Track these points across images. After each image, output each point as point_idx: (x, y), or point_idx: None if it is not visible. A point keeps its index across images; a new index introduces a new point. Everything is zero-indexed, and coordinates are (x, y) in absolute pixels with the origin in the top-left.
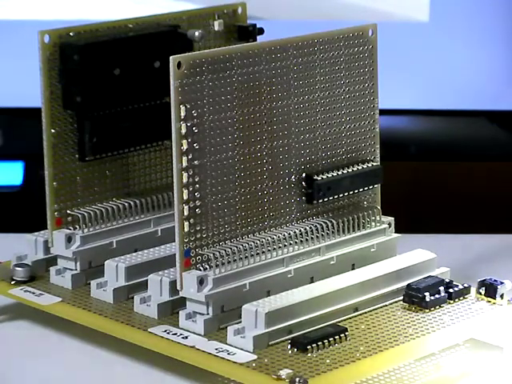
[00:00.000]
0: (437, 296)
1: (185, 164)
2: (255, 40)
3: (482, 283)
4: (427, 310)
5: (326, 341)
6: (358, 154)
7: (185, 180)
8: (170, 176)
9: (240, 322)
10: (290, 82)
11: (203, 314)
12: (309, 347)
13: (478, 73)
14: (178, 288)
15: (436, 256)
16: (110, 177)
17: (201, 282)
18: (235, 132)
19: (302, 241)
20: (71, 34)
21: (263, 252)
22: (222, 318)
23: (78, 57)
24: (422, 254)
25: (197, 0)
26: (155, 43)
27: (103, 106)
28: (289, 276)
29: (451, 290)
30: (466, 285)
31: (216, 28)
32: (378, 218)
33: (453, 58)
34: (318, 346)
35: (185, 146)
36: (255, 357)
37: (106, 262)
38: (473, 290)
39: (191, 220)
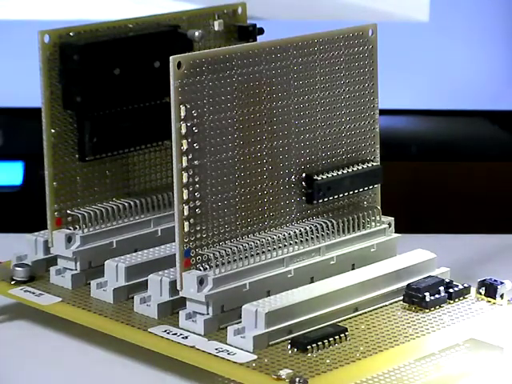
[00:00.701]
0: (437, 296)
1: (185, 164)
2: (255, 40)
3: (482, 283)
4: (427, 310)
5: (326, 341)
6: (358, 153)
7: (185, 180)
8: (170, 176)
9: (240, 322)
10: (290, 82)
11: (203, 314)
12: (309, 347)
13: (478, 73)
14: (178, 288)
15: (436, 256)
16: (110, 177)
17: (201, 282)
18: (235, 132)
19: (301, 241)
20: (71, 33)
21: (263, 252)
22: (222, 318)
23: (78, 57)
24: (421, 254)
25: (197, 0)
26: (155, 43)
27: (103, 105)
28: (289, 276)
29: (451, 290)
30: (466, 285)
31: (216, 28)
32: (378, 218)
33: (453, 57)
34: (318, 345)
35: (185, 146)
36: (255, 357)
37: (105, 262)
38: (473, 290)
39: (191, 220)
